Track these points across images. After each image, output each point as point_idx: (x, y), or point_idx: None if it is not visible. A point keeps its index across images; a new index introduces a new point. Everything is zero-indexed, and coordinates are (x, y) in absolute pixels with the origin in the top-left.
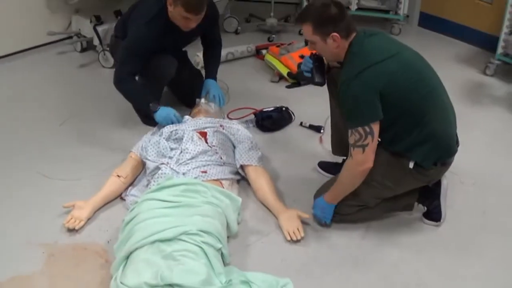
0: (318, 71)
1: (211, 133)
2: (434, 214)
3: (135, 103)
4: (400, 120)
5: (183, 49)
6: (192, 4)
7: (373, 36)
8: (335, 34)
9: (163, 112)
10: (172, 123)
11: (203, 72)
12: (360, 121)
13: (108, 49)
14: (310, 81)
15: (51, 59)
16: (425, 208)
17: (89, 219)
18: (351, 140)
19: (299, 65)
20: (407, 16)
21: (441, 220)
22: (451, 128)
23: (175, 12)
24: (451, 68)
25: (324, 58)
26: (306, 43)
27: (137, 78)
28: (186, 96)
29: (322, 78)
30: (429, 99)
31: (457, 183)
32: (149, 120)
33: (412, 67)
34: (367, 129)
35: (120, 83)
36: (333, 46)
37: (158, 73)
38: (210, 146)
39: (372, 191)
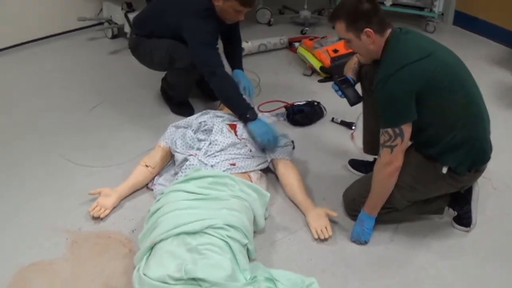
0: (349, 92)
1: (241, 125)
2: (464, 219)
3: (231, 99)
4: (435, 123)
5: None
6: None
7: (409, 34)
8: (368, 29)
9: (262, 125)
10: (269, 141)
11: None
12: (391, 122)
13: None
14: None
15: (82, 45)
16: (456, 212)
17: (114, 207)
18: (381, 140)
19: (332, 59)
20: (442, 14)
21: (471, 226)
22: (486, 133)
23: (226, 6)
24: (484, 69)
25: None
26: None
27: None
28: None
29: (356, 97)
30: (464, 103)
31: (489, 188)
32: (179, 109)
33: (449, 68)
34: (397, 130)
35: (218, 76)
36: (368, 42)
37: (189, 62)
38: (239, 139)
39: (403, 193)
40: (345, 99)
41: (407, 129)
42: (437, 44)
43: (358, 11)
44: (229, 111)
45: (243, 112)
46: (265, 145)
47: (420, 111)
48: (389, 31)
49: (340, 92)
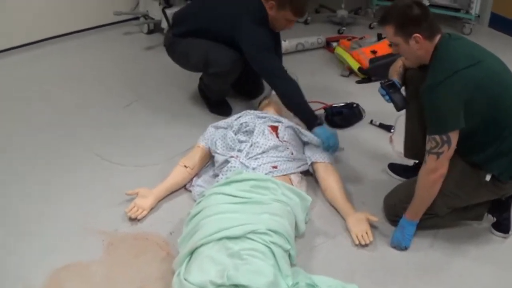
0: (397, 97)
1: (283, 128)
2: (503, 226)
3: (298, 104)
4: (481, 131)
5: None
6: (301, 8)
7: (459, 40)
8: (417, 35)
9: (327, 130)
10: (330, 147)
11: None
12: (439, 129)
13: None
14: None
15: (117, 39)
16: (495, 218)
17: (152, 208)
18: (427, 146)
19: (370, 61)
20: (478, 16)
21: (510, 232)
22: None
23: (279, 15)
24: None
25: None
26: (379, 38)
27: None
28: (249, 88)
29: (403, 102)
30: (511, 112)
31: None
32: (217, 109)
33: (497, 76)
34: (445, 137)
35: (288, 80)
36: (416, 48)
37: (224, 69)
38: (281, 141)
39: (445, 200)
40: (390, 103)
41: (454, 137)
42: (485, 52)
43: (407, 15)
44: (270, 112)
45: (310, 118)
46: (328, 149)
47: (467, 118)
48: (438, 36)
49: (387, 97)
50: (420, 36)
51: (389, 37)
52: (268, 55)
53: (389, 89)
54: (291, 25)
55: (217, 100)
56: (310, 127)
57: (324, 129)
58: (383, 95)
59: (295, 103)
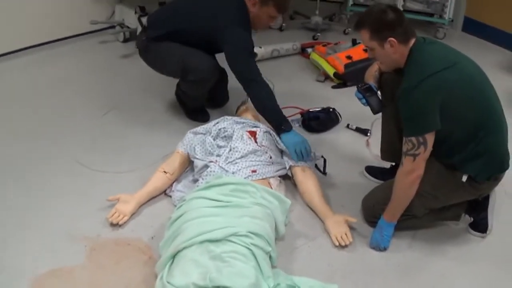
0: (373, 100)
1: (261, 133)
2: (480, 226)
3: (269, 110)
4: (457, 132)
5: None
6: (284, 4)
7: (433, 44)
8: (392, 39)
9: (293, 137)
10: (298, 154)
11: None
12: (415, 131)
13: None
14: (372, 110)
15: (93, 48)
16: (472, 219)
17: (133, 214)
18: (404, 148)
19: (345, 66)
20: (452, 20)
21: (487, 232)
22: (505, 142)
23: (262, 12)
24: (493, 76)
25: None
26: (354, 43)
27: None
28: (215, 98)
29: (380, 105)
30: (486, 113)
31: (502, 194)
32: (194, 115)
33: (472, 79)
34: (421, 139)
35: (261, 83)
36: (391, 52)
37: (202, 76)
38: (259, 146)
39: (422, 201)
40: (366, 107)
41: (430, 138)
42: (460, 55)
43: (382, 20)
44: (248, 117)
45: (279, 123)
46: (297, 158)
47: (443, 120)
48: (413, 40)
49: (364, 100)
50: (395, 40)
51: (364, 41)
52: (248, 57)
53: (365, 93)
54: (272, 22)
55: (194, 107)
56: (277, 133)
57: (292, 135)
58: (359, 99)
59: (266, 107)
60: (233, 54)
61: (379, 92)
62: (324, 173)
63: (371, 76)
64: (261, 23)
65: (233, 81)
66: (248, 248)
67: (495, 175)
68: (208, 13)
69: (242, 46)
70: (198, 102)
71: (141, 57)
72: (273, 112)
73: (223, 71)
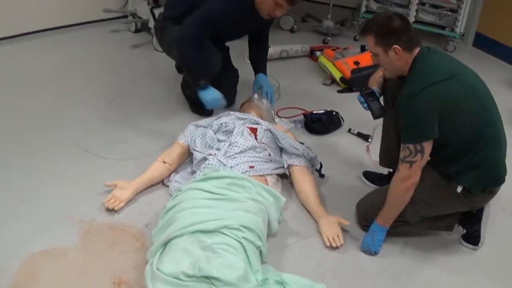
0: (374, 105)
1: (262, 130)
2: (473, 238)
3: (191, 68)
4: (455, 143)
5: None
6: None
7: (437, 54)
8: (396, 46)
9: (212, 93)
10: (217, 107)
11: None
12: (413, 138)
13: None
14: (372, 115)
15: (104, 36)
16: (465, 230)
17: (129, 201)
18: (401, 155)
19: (352, 71)
20: (463, 34)
21: (479, 245)
22: (502, 156)
23: None
24: (500, 92)
25: (378, 82)
26: (362, 49)
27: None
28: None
29: (381, 110)
30: (486, 125)
31: (498, 208)
32: (198, 108)
33: (474, 90)
34: (418, 147)
35: (189, 41)
36: (395, 59)
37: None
38: (259, 143)
39: (416, 208)
40: (368, 112)
41: (427, 146)
42: (463, 66)
43: (388, 27)
44: (251, 114)
45: (197, 79)
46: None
47: (441, 130)
48: (417, 49)
49: (365, 105)
50: (399, 48)
51: (369, 47)
52: (196, 21)
53: (368, 97)
54: (278, 12)
55: (199, 100)
56: (194, 89)
57: (208, 93)
58: (361, 102)
59: (187, 59)
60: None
61: (381, 98)
62: (321, 175)
63: (375, 82)
64: (266, 9)
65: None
66: (239, 242)
67: (490, 188)
68: None
69: (204, 13)
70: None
71: (156, 35)
72: (196, 67)
73: (235, 71)
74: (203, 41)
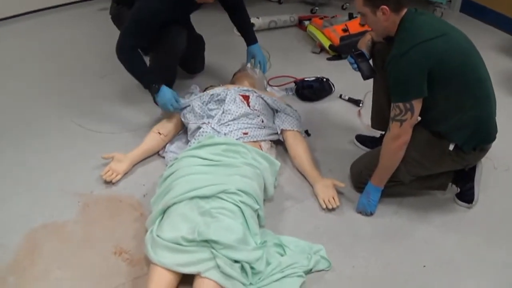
0: (364, 66)
1: (254, 97)
2: (467, 196)
3: (137, 79)
4: (444, 101)
5: None
6: None
7: (425, 15)
8: (384, 7)
9: (162, 97)
10: (170, 110)
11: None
12: (403, 97)
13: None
14: (362, 75)
15: (93, 15)
16: (459, 189)
17: (126, 172)
18: (392, 114)
19: (341, 38)
20: (450, 1)
21: (473, 202)
22: (492, 114)
23: None
24: (490, 57)
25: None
26: (350, 17)
27: (148, 55)
28: (189, 63)
29: (370, 71)
30: (474, 84)
31: (490, 167)
32: None
33: (461, 49)
34: (408, 105)
35: (123, 54)
36: (383, 19)
37: (170, 47)
38: (252, 110)
39: (408, 168)
40: (359, 77)
41: (417, 105)
42: (450, 26)
43: None
44: (245, 84)
45: (150, 87)
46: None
47: (431, 89)
48: (405, 10)
49: (355, 65)
50: (387, 8)
51: (357, 6)
52: (129, 28)
53: (357, 58)
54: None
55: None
56: (152, 94)
57: (160, 94)
58: (351, 63)
59: (132, 69)
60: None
61: (370, 61)
62: (308, 134)
63: (364, 44)
64: None
65: (227, 55)
66: (237, 205)
67: (481, 145)
68: None
69: (134, 16)
70: (169, 77)
71: (115, 24)
72: (139, 78)
73: (199, 38)
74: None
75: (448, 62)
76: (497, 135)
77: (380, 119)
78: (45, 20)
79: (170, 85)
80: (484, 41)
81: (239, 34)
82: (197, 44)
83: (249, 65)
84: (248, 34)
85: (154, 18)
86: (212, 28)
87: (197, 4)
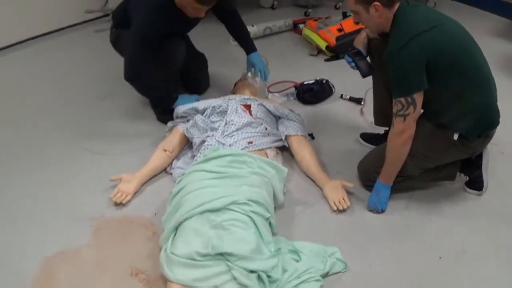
0: (362, 64)
1: (255, 105)
2: (476, 184)
3: (157, 97)
4: (445, 91)
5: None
6: None
7: (417, 7)
8: (376, 3)
9: (183, 100)
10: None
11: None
12: (403, 91)
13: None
14: (361, 74)
15: (90, 37)
16: (467, 177)
17: (135, 193)
18: (394, 109)
19: (337, 38)
20: None
21: (483, 189)
22: (493, 100)
23: (185, 2)
24: (487, 41)
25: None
26: (344, 16)
27: None
28: (194, 82)
29: (368, 68)
30: (473, 71)
31: (497, 153)
32: (164, 116)
33: (457, 38)
34: (409, 99)
35: (139, 75)
36: (376, 16)
37: (169, 59)
38: (254, 118)
39: (415, 162)
40: (358, 75)
41: (419, 98)
42: (444, 16)
43: None
44: (246, 93)
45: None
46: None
47: (430, 80)
48: (397, 5)
49: (353, 64)
50: (379, 4)
51: (350, 5)
52: (136, 45)
53: (355, 57)
54: (199, 13)
55: (166, 109)
56: (170, 107)
57: (184, 100)
58: (349, 62)
59: (147, 87)
60: (129, 35)
61: (368, 58)
62: (313, 137)
63: (360, 42)
64: (188, 12)
65: (225, 68)
66: (248, 216)
67: (486, 132)
68: (133, 2)
69: (137, 31)
70: (166, 99)
71: (116, 49)
72: (161, 95)
73: (201, 56)
74: (152, 57)
75: (445, 52)
76: (500, 119)
77: (383, 115)
78: (42, 46)
79: (172, 111)
80: (479, 26)
81: (236, 43)
82: (200, 62)
83: (249, 74)
84: (247, 43)
85: (156, 29)
86: (210, 40)
87: (193, 21)
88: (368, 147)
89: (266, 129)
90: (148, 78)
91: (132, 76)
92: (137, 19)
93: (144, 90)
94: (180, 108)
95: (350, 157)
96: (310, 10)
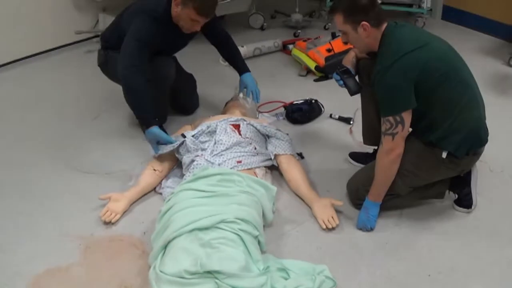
0: (350, 82)
1: (244, 125)
2: (465, 201)
3: (143, 103)
4: (433, 110)
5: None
6: (205, 7)
7: (405, 27)
8: (365, 23)
9: (150, 135)
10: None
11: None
12: (392, 110)
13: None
14: (348, 91)
15: (80, 58)
16: (456, 195)
17: (125, 212)
18: (383, 128)
19: (326, 59)
20: (430, 9)
21: (472, 207)
22: (482, 118)
23: (183, 13)
24: (476, 60)
25: (351, 61)
26: (333, 36)
27: None
28: (183, 103)
29: (356, 87)
30: (460, 89)
31: (486, 171)
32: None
33: (444, 57)
34: (398, 118)
35: (137, 67)
36: (364, 35)
37: (159, 75)
38: (244, 138)
39: (404, 180)
40: (347, 94)
41: (407, 117)
42: (431, 35)
43: (356, 5)
44: (236, 113)
45: (145, 117)
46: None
47: (418, 99)
48: (385, 24)
49: (341, 82)
50: (368, 24)
51: (338, 25)
52: (132, 48)
53: (343, 75)
54: (195, 27)
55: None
56: (142, 128)
57: (148, 134)
58: (337, 80)
59: (132, 94)
60: (125, 39)
61: (356, 77)
62: (302, 157)
63: (348, 62)
64: (185, 25)
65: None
66: (237, 234)
67: (474, 149)
68: (132, 13)
69: (133, 35)
70: (159, 111)
71: (103, 72)
72: (145, 104)
73: (190, 77)
74: (145, 69)
75: (433, 71)
76: (489, 137)
77: (372, 134)
78: (32, 67)
79: (163, 118)
80: (467, 45)
81: (226, 63)
82: (188, 83)
83: (241, 94)
84: (239, 64)
85: (153, 37)
86: (199, 60)
87: (186, 36)
88: (357, 166)
89: (255, 148)
90: (141, 79)
91: (128, 69)
92: (135, 24)
93: (133, 89)
94: (165, 149)
95: (339, 176)
96: (299, 31)
